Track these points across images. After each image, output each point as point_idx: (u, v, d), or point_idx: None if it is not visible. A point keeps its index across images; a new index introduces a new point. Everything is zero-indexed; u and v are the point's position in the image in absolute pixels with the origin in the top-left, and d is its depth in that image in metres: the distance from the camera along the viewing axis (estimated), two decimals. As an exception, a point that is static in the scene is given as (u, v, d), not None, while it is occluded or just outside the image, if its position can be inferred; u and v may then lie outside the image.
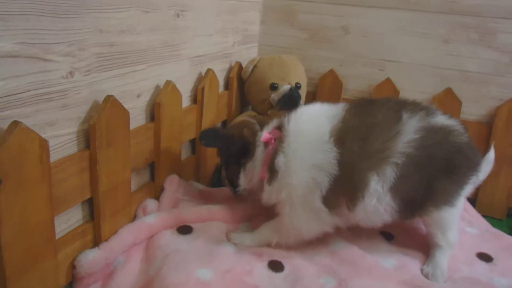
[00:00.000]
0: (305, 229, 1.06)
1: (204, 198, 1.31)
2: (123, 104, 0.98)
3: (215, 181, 1.53)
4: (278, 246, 1.10)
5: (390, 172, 0.97)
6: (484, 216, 1.44)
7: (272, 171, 1.04)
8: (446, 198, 1.04)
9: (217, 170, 1.54)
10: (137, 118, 1.10)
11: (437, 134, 1.01)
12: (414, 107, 1.05)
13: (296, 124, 1.05)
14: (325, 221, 1.05)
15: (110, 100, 0.92)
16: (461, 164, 1.03)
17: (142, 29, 1.05)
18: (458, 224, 1.11)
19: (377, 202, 0.99)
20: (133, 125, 1.07)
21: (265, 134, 1.09)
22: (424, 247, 1.14)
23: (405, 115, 1.01)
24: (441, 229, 1.08)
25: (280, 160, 1.02)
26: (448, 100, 1.54)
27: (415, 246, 1.16)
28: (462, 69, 1.54)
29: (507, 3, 1.45)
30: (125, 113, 0.98)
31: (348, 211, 1.02)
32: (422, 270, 1.07)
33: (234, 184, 1.17)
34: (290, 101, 1.40)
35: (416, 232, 1.22)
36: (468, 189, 1.09)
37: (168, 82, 1.15)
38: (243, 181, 1.14)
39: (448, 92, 1.55)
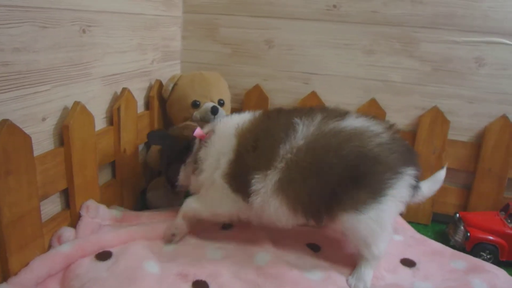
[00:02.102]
0: (217, 206, 1.21)
1: (128, 222, 1.33)
2: (25, 128, 0.99)
3: (141, 204, 1.55)
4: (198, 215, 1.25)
5: (272, 175, 1.09)
6: (411, 222, 1.55)
7: (196, 162, 1.22)
8: (355, 206, 1.06)
9: (143, 192, 1.55)
10: (44, 143, 1.11)
11: (331, 139, 1.06)
12: (317, 112, 1.12)
13: (219, 126, 1.24)
14: (232, 199, 1.18)
15: (6, 124, 0.93)
16: (370, 170, 1.05)
17: (41, 46, 1.05)
18: (385, 236, 1.12)
19: (262, 202, 1.12)
20: (39, 150, 1.08)
21: (197, 130, 1.26)
22: (351, 257, 1.21)
23: (297, 121, 1.10)
24: (363, 241, 1.11)
25: (202, 153, 1.22)
26: (373, 111, 1.63)
27: (341, 257, 1.23)
28: (386, 79, 1.65)
29: (428, 12, 1.56)
30: (26, 138, 0.99)
31: (247, 198, 1.14)
32: (347, 281, 1.13)
33: (173, 181, 1.33)
34: None
35: (343, 243, 1.29)
36: (397, 195, 1.09)
37: (76, 104, 1.17)
38: (182, 178, 1.30)
39: (373, 102, 1.65)
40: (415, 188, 1.14)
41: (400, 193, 1.09)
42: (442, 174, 1.26)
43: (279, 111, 1.20)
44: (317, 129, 1.08)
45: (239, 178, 1.14)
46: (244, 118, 1.21)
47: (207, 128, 1.30)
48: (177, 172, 1.29)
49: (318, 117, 1.10)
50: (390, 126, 1.14)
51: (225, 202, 1.19)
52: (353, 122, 1.09)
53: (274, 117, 1.17)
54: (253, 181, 1.10)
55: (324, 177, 1.06)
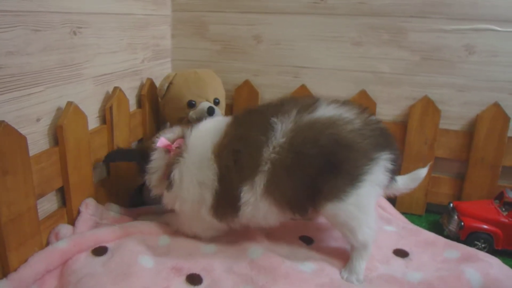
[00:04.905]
0: (201, 233, 1.29)
1: (125, 221, 1.38)
2: (20, 129, 1.05)
3: (135, 202, 1.60)
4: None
5: (259, 181, 1.13)
6: (405, 213, 1.60)
7: (170, 180, 1.22)
8: (336, 194, 1.11)
9: (138, 190, 1.62)
10: (39, 143, 1.17)
11: (308, 131, 1.11)
12: (291, 107, 1.15)
13: (193, 140, 1.23)
14: (218, 227, 1.27)
15: (1, 125, 0.98)
16: (346, 157, 1.09)
17: (33, 49, 1.11)
18: (369, 221, 1.15)
19: (253, 209, 1.16)
20: (34, 150, 1.15)
21: (161, 140, 1.26)
22: (344, 250, 1.26)
23: (273, 121, 1.13)
24: (347, 227, 1.15)
25: (176, 173, 1.21)
26: (363, 103, 1.67)
27: (334, 250, 1.28)
28: (375, 70, 1.70)
29: (416, 1, 1.59)
30: (21, 139, 1.05)
31: (233, 219, 1.19)
32: (340, 274, 1.17)
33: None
34: None
35: (336, 235, 1.34)
36: (374, 180, 1.12)
37: (69, 104, 1.23)
38: (152, 185, 1.32)
39: (363, 94, 1.70)
40: (393, 172, 1.17)
41: (377, 178, 1.13)
42: (422, 172, 1.27)
43: (250, 113, 1.23)
44: (294, 125, 1.12)
45: (226, 203, 1.17)
46: (217, 130, 1.21)
47: (173, 134, 1.30)
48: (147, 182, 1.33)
49: (294, 112, 1.14)
50: (363, 110, 1.18)
51: (210, 231, 1.29)
52: (325, 111, 1.14)
53: (246, 122, 1.19)
54: (242, 194, 1.14)
55: (305, 170, 1.10)
